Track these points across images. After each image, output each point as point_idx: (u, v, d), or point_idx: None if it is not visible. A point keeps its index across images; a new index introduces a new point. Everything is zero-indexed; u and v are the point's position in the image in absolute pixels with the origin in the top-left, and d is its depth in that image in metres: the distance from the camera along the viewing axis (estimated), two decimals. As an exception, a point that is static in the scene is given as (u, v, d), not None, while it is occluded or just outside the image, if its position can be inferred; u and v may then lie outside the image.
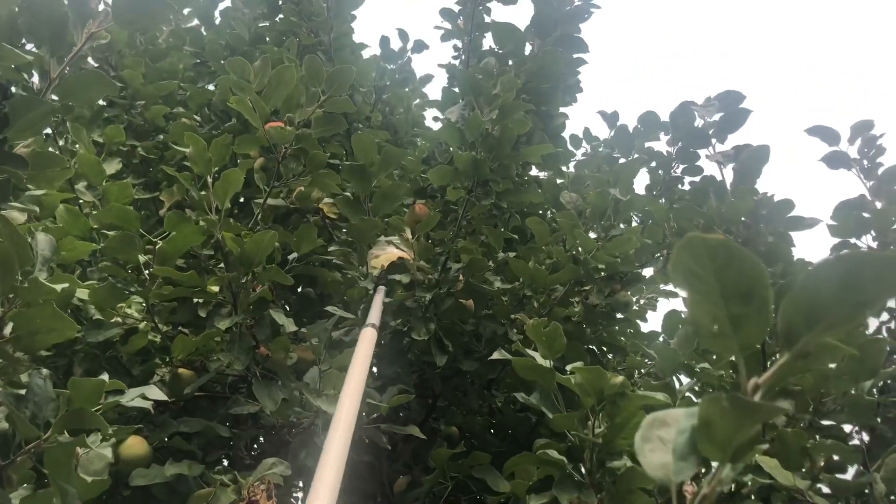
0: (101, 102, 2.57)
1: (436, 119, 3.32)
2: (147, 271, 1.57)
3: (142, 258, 1.62)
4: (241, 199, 2.59)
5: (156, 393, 1.05)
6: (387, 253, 1.99)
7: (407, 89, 3.47)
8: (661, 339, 2.89)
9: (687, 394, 2.07)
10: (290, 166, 1.81)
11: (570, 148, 3.25)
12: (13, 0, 0.87)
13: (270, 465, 1.46)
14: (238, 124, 2.36)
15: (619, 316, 2.52)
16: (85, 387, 0.95)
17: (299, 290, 2.47)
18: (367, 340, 1.35)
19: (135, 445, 1.58)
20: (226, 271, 1.62)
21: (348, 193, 1.96)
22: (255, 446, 2.17)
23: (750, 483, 1.96)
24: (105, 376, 0.97)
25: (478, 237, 2.16)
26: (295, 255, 1.88)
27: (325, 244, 2.02)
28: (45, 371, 0.96)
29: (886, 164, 2.41)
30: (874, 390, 2.13)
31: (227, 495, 1.44)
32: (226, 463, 2.11)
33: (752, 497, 2.02)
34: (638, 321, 3.02)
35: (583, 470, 1.45)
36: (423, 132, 3.21)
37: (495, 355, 1.47)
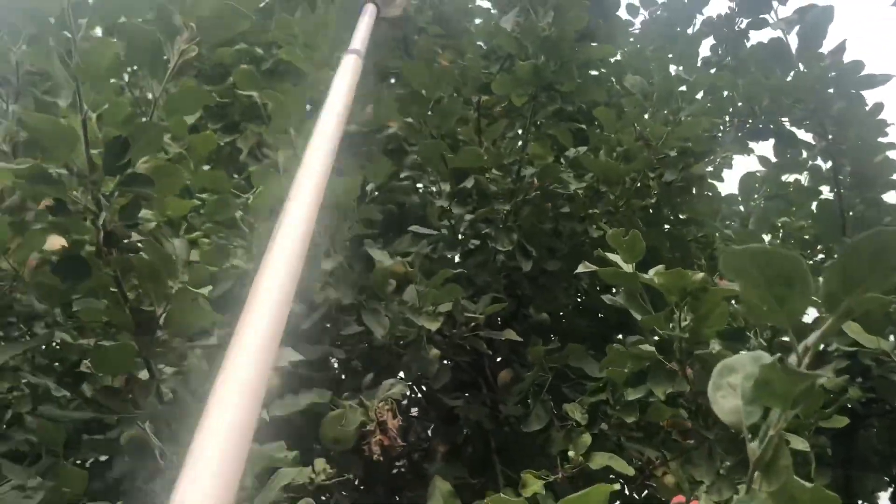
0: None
1: (488, 12, 3.28)
2: (250, 229, 1.73)
3: (238, 214, 1.77)
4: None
5: (292, 354, 1.22)
6: None
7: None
8: (738, 202, 2.93)
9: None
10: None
11: (628, 16, 3.20)
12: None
13: (390, 386, 1.65)
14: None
15: (694, 190, 2.57)
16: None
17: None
18: (349, 70, 1.21)
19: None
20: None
21: (410, 120, 2.04)
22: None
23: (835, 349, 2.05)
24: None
25: (546, 139, 2.22)
26: (372, 185, 1.99)
27: (397, 169, 2.12)
28: (198, 351, 1.14)
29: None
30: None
31: (356, 416, 1.63)
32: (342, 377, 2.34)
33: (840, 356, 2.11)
34: (713, 181, 2.99)
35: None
36: (478, 29, 3.19)
37: (580, 269, 1.57)
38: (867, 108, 2.21)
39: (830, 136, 2.00)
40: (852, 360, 2.06)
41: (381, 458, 1.53)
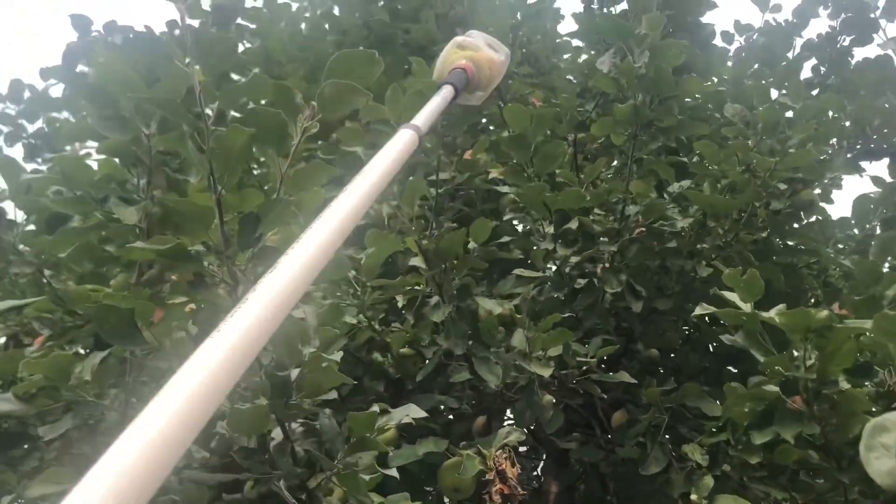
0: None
1: (577, 48, 3.30)
2: (362, 288, 1.78)
3: (350, 273, 1.82)
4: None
5: (416, 411, 1.25)
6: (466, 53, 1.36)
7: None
8: (852, 226, 2.81)
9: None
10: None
11: (724, 44, 3.15)
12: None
13: (507, 434, 1.65)
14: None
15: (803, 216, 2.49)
16: (361, 419, 1.16)
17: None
18: (399, 142, 1.02)
19: (388, 431, 1.83)
20: (427, 268, 1.79)
21: (513, 162, 2.06)
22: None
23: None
24: (376, 407, 1.19)
25: (648, 176, 2.20)
26: (474, 245, 2.00)
27: (497, 223, 2.14)
28: (327, 411, 1.19)
29: None
30: None
31: (474, 465, 1.64)
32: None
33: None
34: (823, 205, 2.89)
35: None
36: (567, 64, 3.21)
37: (698, 311, 1.54)
38: None
39: (952, 156, 1.90)
40: None
41: (503, 508, 1.54)
